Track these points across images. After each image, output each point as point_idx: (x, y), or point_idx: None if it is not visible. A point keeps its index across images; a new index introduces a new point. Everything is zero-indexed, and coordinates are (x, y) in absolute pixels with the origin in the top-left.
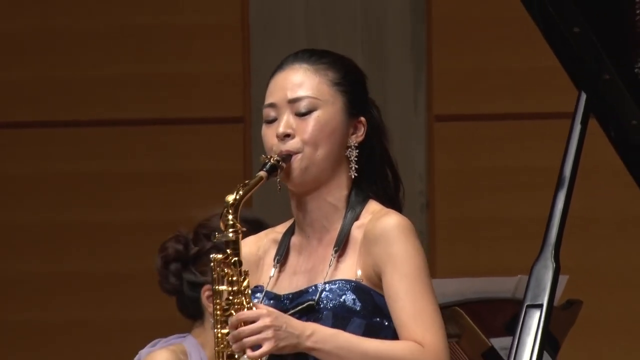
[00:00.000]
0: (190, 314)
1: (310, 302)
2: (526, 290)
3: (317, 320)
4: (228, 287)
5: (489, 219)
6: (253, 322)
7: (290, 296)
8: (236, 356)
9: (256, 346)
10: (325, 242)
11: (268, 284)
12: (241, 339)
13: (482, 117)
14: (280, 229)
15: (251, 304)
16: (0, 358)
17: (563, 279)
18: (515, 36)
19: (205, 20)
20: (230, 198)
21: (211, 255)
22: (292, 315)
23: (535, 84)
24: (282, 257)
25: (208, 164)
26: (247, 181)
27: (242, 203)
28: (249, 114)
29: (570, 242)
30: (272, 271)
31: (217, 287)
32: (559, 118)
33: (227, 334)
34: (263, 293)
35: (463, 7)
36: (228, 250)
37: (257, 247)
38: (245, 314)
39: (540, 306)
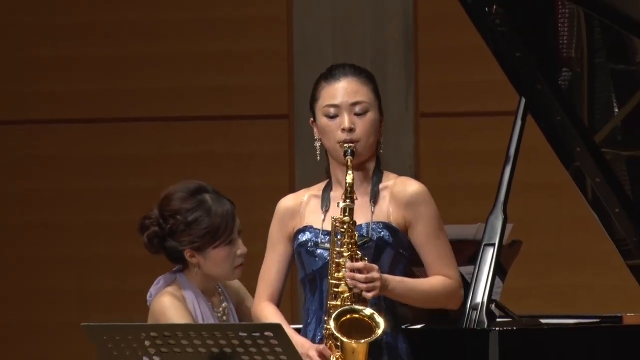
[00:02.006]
0: (178, 262)
1: (367, 239)
2: (483, 233)
3: (365, 249)
4: (345, 239)
5: (459, 185)
6: (361, 271)
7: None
8: (354, 290)
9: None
10: (357, 194)
11: (320, 224)
12: (357, 280)
13: (454, 114)
14: (316, 188)
15: (360, 255)
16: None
17: (509, 226)
18: (477, 58)
19: (262, 46)
20: (349, 179)
21: (333, 216)
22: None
23: (491, 91)
24: (328, 206)
25: (261, 148)
26: (347, 165)
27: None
28: (292, 112)
29: (514, 200)
30: (322, 216)
31: (335, 238)
32: (507, 115)
33: (339, 271)
34: (319, 231)
35: (440, 39)
36: (346, 214)
37: (296, 201)
38: (369, 265)
39: (493, 245)
